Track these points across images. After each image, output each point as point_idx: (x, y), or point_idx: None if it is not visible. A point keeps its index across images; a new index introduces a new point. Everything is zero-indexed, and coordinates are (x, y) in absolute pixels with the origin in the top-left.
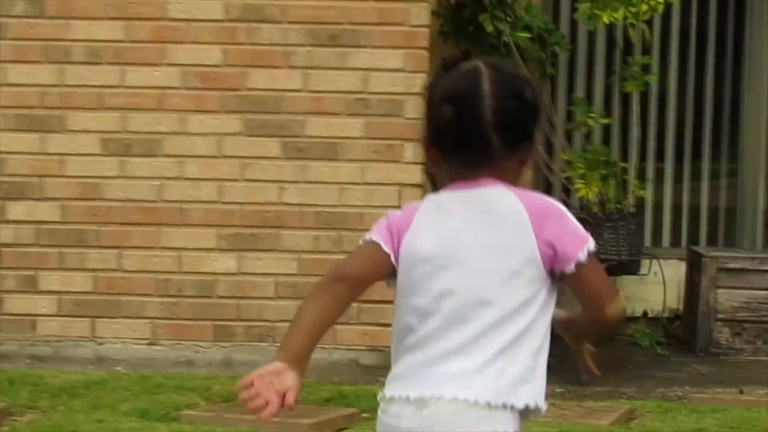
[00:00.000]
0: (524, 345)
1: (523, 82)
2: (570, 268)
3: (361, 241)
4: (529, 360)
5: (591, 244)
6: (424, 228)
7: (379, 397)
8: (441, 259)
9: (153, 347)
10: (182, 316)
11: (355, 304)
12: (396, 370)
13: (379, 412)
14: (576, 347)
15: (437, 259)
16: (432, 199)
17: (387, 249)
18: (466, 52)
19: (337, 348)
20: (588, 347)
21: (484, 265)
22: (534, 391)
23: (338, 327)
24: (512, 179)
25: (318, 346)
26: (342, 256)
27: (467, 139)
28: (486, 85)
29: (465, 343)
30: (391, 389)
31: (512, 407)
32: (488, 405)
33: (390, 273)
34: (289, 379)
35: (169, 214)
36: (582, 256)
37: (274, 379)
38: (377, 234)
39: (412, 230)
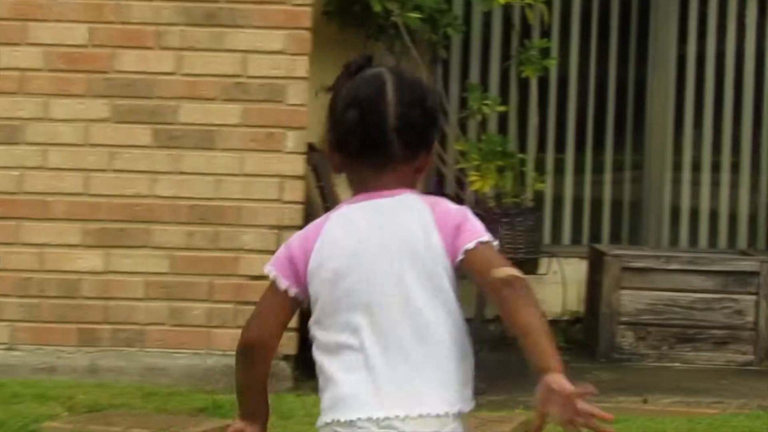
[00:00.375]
0: (456, 347)
1: (425, 90)
2: (459, 257)
3: (265, 271)
4: (466, 363)
5: (485, 237)
6: (335, 245)
7: (326, 422)
8: (359, 273)
9: (11, 352)
10: (44, 319)
11: (230, 306)
12: (341, 390)
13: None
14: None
15: (355, 275)
16: (337, 213)
17: (284, 284)
18: (369, 58)
19: (211, 353)
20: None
21: (402, 273)
22: (471, 394)
23: (213, 330)
24: (410, 186)
25: (191, 350)
26: (218, 254)
27: (370, 142)
28: (390, 91)
29: (408, 355)
30: (345, 412)
31: (462, 412)
32: (447, 415)
33: (299, 302)
34: None
35: (30, 207)
36: (471, 244)
37: None
38: (275, 267)
39: (322, 248)
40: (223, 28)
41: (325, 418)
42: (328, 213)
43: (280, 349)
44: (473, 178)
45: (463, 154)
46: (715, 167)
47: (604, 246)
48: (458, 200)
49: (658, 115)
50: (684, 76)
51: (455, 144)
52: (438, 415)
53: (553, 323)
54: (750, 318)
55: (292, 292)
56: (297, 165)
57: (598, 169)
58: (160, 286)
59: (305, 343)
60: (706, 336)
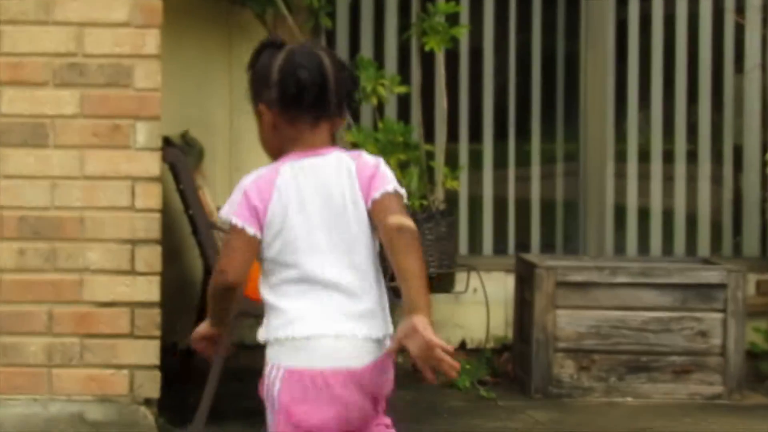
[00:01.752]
0: (380, 283)
1: (343, 60)
2: (368, 204)
3: (220, 222)
4: (385, 295)
5: (390, 187)
6: (289, 197)
7: (281, 337)
8: (310, 222)
9: None
10: None
11: (74, 339)
12: (292, 313)
13: (300, 349)
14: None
15: (307, 223)
16: (284, 168)
17: (252, 231)
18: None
19: (54, 398)
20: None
21: (342, 220)
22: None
23: (54, 370)
24: (332, 141)
25: (27, 396)
26: (57, 276)
27: (319, 99)
28: (325, 58)
29: (350, 289)
30: (311, 328)
31: (390, 335)
32: (382, 338)
33: (260, 243)
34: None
35: None
36: (377, 194)
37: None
38: (240, 216)
39: (278, 201)
40: None
41: (276, 334)
42: (274, 166)
43: (140, 391)
44: None
45: (356, 146)
46: (668, 157)
47: (534, 256)
48: None
49: (595, 95)
50: (625, 46)
51: (346, 134)
52: (378, 339)
53: (476, 352)
54: (716, 341)
55: (258, 236)
56: (150, 164)
57: (523, 162)
58: None
59: (170, 384)
60: (663, 364)
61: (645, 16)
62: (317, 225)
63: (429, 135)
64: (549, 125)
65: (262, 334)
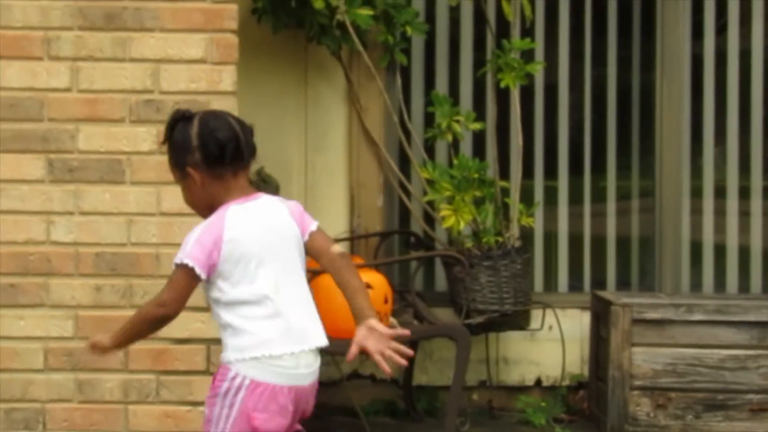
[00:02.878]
0: (311, 299)
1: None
2: (305, 237)
3: (176, 261)
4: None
5: (315, 224)
6: (241, 232)
7: (258, 355)
8: (263, 254)
9: None
10: None
11: (150, 376)
12: (265, 334)
13: (267, 366)
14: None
15: (261, 254)
16: (232, 212)
17: (199, 272)
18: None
19: None
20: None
21: (288, 253)
22: None
23: (131, 408)
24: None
25: None
26: (133, 312)
27: (239, 153)
28: (230, 118)
29: (300, 307)
30: (276, 348)
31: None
32: (320, 348)
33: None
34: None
35: None
36: (313, 227)
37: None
38: (193, 259)
39: (230, 236)
40: (129, 32)
41: (251, 353)
42: (218, 213)
43: None
44: (445, 213)
45: (431, 183)
46: (744, 193)
47: (609, 293)
48: (428, 239)
49: (671, 131)
50: (701, 81)
51: (421, 171)
52: (319, 349)
53: (551, 390)
54: None
55: (202, 277)
56: None
57: (598, 198)
58: (64, 354)
59: None
60: (740, 402)
61: (720, 51)
62: (269, 254)
63: (504, 171)
64: (624, 161)
65: (232, 354)
